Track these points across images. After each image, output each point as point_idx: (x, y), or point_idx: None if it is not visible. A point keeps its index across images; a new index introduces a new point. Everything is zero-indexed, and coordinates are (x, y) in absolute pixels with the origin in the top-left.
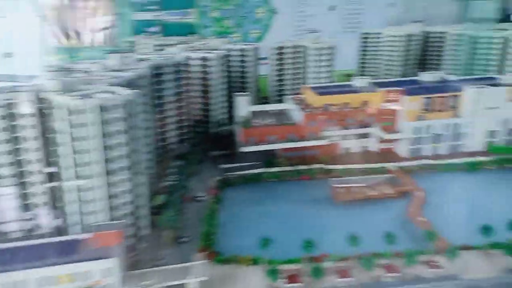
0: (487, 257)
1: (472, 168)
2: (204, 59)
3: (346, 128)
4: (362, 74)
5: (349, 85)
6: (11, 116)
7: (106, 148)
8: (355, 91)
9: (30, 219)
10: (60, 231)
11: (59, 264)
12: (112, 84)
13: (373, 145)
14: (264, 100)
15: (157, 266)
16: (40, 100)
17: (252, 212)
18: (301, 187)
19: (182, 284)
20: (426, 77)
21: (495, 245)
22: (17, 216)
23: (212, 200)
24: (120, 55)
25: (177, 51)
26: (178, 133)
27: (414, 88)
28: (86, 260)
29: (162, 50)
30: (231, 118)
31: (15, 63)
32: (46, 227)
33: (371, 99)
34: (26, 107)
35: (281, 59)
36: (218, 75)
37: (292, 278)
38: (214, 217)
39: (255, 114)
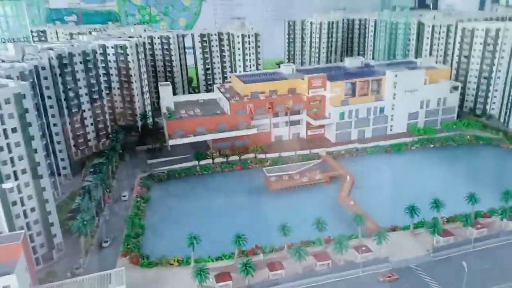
0: (415, 237)
1: (397, 149)
2: (120, 47)
3: (276, 116)
4: (290, 62)
5: (276, 73)
6: None
7: None
8: (282, 78)
9: None
10: None
11: None
12: (3, 76)
13: (303, 132)
14: (195, 89)
15: (75, 276)
16: None
17: (182, 208)
18: (234, 178)
19: None
20: (350, 62)
21: (420, 224)
22: None
23: (137, 199)
24: (18, 44)
25: (89, 39)
26: (95, 128)
27: (337, 74)
28: None
29: (73, 39)
30: (158, 110)
31: None
32: None
33: (298, 85)
34: None
35: (207, 47)
36: (138, 64)
37: (221, 277)
38: (139, 218)
39: (181, 104)
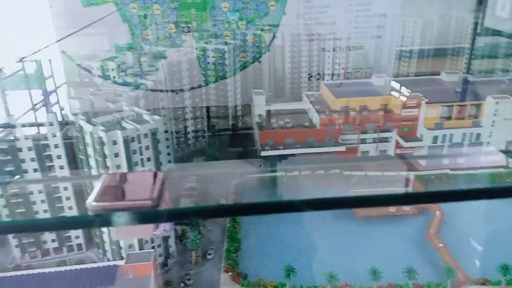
0: None
1: (493, 179)
2: (218, 50)
3: (364, 133)
4: (371, 68)
5: (367, 83)
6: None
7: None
8: (373, 91)
9: None
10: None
11: None
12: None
13: (391, 150)
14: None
15: (186, 286)
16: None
17: (272, 225)
18: (320, 194)
19: None
20: (447, 77)
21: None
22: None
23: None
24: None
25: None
26: (194, 127)
27: (433, 92)
28: None
29: None
30: (247, 112)
31: None
32: None
33: (390, 102)
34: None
35: (296, 50)
36: (233, 66)
37: None
38: (237, 231)
39: (272, 113)
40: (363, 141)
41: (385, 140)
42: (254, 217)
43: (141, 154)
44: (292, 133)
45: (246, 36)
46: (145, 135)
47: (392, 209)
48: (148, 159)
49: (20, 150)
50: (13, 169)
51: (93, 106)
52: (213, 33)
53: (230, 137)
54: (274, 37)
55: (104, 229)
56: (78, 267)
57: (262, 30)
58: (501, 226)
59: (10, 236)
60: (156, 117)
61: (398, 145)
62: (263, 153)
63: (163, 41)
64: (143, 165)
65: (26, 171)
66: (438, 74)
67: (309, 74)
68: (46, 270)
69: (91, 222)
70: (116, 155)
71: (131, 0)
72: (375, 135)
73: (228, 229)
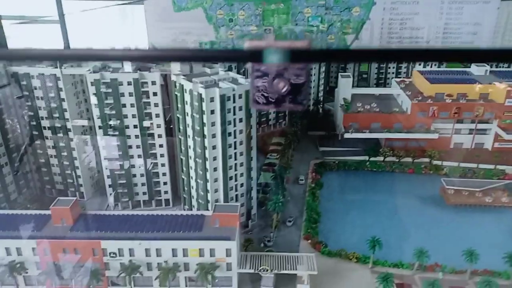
0: None
1: None
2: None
3: (460, 122)
4: None
5: (465, 72)
6: (143, 94)
7: (226, 134)
8: (471, 80)
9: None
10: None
11: (189, 238)
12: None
13: (488, 143)
14: (365, 80)
15: (266, 247)
16: (166, 81)
17: (353, 201)
18: (406, 181)
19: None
20: None
21: None
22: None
23: (312, 184)
24: None
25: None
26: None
27: None
28: (212, 239)
29: None
30: (328, 96)
31: None
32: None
33: (492, 91)
34: (154, 86)
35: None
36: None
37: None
38: (316, 204)
39: (357, 96)
40: (458, 132)
41: (483, 132)
42: (335, 189)
43: (234, 114)
44: (379, 117)
45: (326, 36)
46: (240, 96)
47: (488, 199)
48: (240, 120)
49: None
50: None
51: (192, 70)
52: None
53: (310, 121)
54: (356, 37)
55: (193, 185)
56: (169, 212)
57: (344, 33)
58: None
59: (107, 185)
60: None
61: (498, 138)
62: (346, 135)
63: (245, 39)
64: (235, 125)
65: None
66: None
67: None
68: (139, 212)
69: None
70: (212, 112)
71: (218, 7)
72: (472, 126)
73: (307, 201)
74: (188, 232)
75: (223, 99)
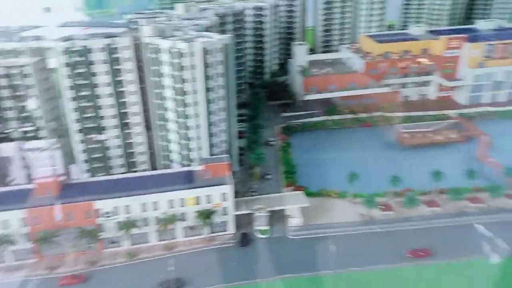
0: None
1: None
2: (258, 8)
3: (406, 76)
4: (404, 24)
5: (406, 33)
6: (114, 61)
7: (208, 90)
8: (413, 39)
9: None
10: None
11: (185, 189)
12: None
13: (431, 93)
14: (312, 50)
15: (253, 196)
16: (138, 45)
17: (322, 154)
18: (365, 134)
19: (282, 210)
20: (483, 25)
21: None
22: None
23: (283, 144)
24: (184, 4)
25: (231, 1)
26: (237, 83)
27: (476, 35)
28: (206, 186)
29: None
30: (281, 69)
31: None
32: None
33: (431, 46)
34: (126, 52)
35: (330, 8)
36: (271, 24)
37: (386, 207)
38: (290, 159)
39: (311, 63)
40: (405, 86)
41: (426, 84)
42: (305, 147)
43: (215, 69)
44: (336, 78)
45: None
46: (220, 50)
47: (438, 137)
48: (222, 75)
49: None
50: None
51: (163, 33)
52: None
53: (269, 92)
54: None
55: (173, 148)
56: (157, 172)
57: None
58: None
59: (80, 160)
60: (227, 35)
61: (440, 87)
62: (309, 97)
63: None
64: (216, 80)
65: None
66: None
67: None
68: (127, 176)
69: None
70: (194, 67)
71: None
72: (416, 79)
73: (282, 157)
74: (181, 185)
75: (204, 52)
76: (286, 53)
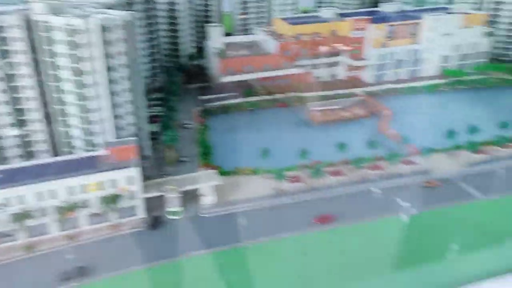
0: (451, 157)
1: (430, 90)
2: None
3: (316, 58)
4: (319, 9)
5: (317, 16)
6: (1, 40)
7: (109, 69)
8: (323, 22)
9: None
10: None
11: (84, 175)
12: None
13: (341, 73)
14: (229, 35)
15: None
16: (29, 23)
17: (238, 135)
18: (280, 114)
19: (195, 190)
20: (387, 8)
21: (457, 147)
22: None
23: (200, 126)
24: None
25: None
26: (150, 66)
27: (379, 17)
28: (108, 170)
29: None
30: (199, 52)
31: None
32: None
33: (339, 28)
34: (16, 31)
35: None
36: (185, 6)
37: (295, 179)
38: (206, 141)
39: (227, 46)
40: (317, 67)
41: (335, 64)
42: (221, 128)
43: (115, 47)
44: (252, 59)
45: None
46: (121, 27)
47: (346, 114)
48: (124, 53)
49: None
50: None
51: (59, 11)
52: None
53: (185, 76)
54: None
55: (74, 133)
56: (57, 159)
57: None
58: (440, 115)
59: None
60: (129, 12)
61: (348, 67)
62: (225, 79)
63: None
64: (118, 59)
65: None
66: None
67: None
68: (23, 164)
69: None
70: (91, 45)
71: None
72: (326, 60)
73: (199, 139)
74: (82, 171)
75: (103, 29)
76: (203, 37)
